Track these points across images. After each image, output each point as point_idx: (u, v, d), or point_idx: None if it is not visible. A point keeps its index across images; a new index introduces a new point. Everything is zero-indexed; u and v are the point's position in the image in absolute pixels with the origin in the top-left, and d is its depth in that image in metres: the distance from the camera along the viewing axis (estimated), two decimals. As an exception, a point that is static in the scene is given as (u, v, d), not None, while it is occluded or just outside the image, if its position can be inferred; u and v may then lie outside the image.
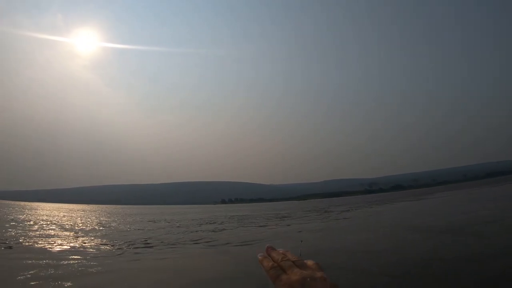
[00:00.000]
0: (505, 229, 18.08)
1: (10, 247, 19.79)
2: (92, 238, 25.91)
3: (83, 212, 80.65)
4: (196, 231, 32.91)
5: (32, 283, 11.53)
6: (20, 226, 35.35)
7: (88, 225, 39.53)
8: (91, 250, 19.73)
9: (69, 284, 11.25)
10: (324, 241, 20.17)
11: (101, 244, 22.08)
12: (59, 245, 21.19)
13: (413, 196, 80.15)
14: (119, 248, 20.31)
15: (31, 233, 28.76)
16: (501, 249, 13.46)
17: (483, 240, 15.80)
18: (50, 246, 20.82)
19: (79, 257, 16.77)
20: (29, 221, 40.58)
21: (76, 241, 23.24)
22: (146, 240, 24.49)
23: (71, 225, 39.13)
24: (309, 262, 1.31)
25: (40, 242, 22.39)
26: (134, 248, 20.79)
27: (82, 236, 27.11)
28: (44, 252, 18.47)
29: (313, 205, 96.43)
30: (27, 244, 21.72)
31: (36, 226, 35.62)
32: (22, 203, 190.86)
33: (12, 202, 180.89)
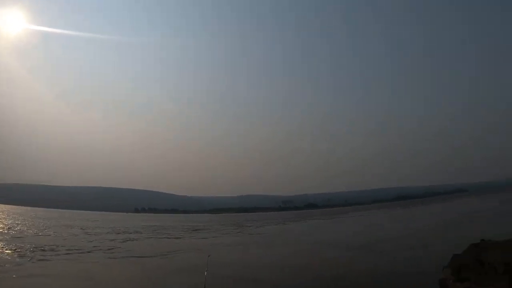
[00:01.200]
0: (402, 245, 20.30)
1: None
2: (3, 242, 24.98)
3: None
4: (112, 240, 32.57)
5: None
6: None
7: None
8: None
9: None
10: (239, 255, 21.22)
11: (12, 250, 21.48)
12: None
13: (327, 215, 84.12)
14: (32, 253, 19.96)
15: None
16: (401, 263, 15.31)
17: (384, 256, 17.73)
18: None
19: None
20: None
21: None
22: (58, 246, 24.07)
23: None
24: None
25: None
26: (44, 253, 20.50)
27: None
28: None
29: (228, 219, 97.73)
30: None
31: None
32: None
33: None
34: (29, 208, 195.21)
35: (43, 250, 22.58)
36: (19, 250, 21.62)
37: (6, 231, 34.41)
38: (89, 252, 23.08)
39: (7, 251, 21.30)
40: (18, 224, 46.57)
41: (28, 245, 24.59)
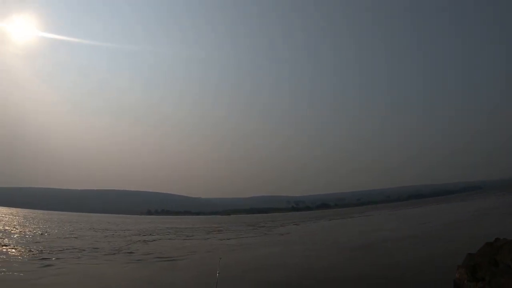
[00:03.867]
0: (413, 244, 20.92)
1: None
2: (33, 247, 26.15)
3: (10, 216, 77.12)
4: (136, 242, 33.63)
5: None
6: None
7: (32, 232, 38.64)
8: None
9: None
10: (264, 255, 21.96)
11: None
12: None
13: (339, 215, 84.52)
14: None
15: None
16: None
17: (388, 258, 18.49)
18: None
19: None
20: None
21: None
22: (98, 249, 25.36)
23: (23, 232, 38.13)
24: None
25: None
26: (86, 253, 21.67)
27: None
28: None
29: (242, 220, 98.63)
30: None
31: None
32: None
33: None
34: (44, 211, 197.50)
35: (82, 251, 23.77)
36: (61, 253, 22.73)
37: (36, 235, 35.52)
38: (130, 253, 24.24)
39: (53, 256, 22.44)
40: (42, 228, 47.88)
41: (67, 246, 25.92)
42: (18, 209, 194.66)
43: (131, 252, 24.35)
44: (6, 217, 73.45)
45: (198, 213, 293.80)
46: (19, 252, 21.71)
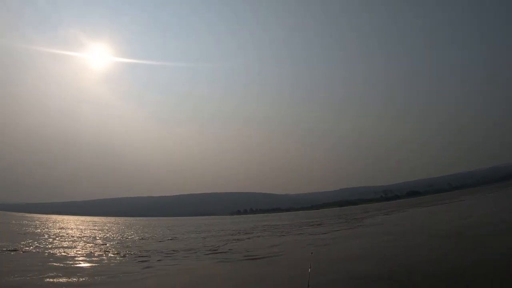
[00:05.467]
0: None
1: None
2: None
3: (120, 226, 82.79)
4: (232, 241, 35.20)
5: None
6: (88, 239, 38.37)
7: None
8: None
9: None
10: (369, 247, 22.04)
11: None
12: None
13: (429, 202, 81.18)
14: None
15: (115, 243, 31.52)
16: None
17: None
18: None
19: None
20: (95, 237, 43.09)
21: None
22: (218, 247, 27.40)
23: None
24: None
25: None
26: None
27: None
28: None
29: (334, 213, 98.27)
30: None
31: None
32: (41, 215, 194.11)
33: (31, 215, 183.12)
34: (141, 218, 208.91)
35: (179, 251, 25.59)
36: (159, 255, 24.44)
37: (134, 240, 38.20)
38: (226, 251, 25.66)
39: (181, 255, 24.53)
40: (139, 233, 51.24)
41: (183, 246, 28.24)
42: (117, 218, 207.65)
43: (228, 250, 25.50)
44: (106, 226, 79.29)
45: (287, 210, 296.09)
46: (121, 256, 23.73)
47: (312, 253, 14.85)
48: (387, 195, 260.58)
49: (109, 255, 23.86)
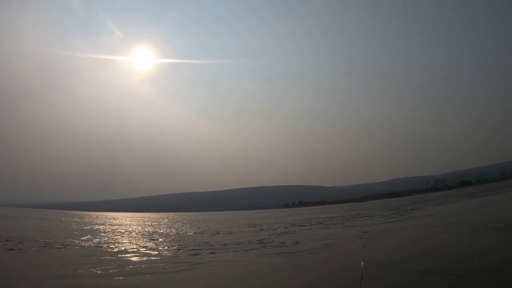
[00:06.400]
0: None
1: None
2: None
3: (181, 222, 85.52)
4: (281, 233, 36.68)
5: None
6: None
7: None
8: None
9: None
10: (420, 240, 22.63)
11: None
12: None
13: (481, 192, 79.12)
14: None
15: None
16: None
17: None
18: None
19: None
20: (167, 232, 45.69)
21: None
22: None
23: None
24: None
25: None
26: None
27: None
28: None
29: (384, 205, 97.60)
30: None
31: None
32: (96, 213, 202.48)
33: (86, 213, 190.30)
34: (193, 213, 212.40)
35: (231, 244, 27.51)
36: (209, 247, 26.20)
37: (187, 235, 39.95)
38: (279, 245, 26.94)
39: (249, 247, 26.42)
40: (191, 227, 53.54)
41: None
42: (167, 213, 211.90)
43: (281, 244, 26.62)
44: (158, 221, 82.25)
45: (334, 202, 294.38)
46: (172, 250, 25.52)
47: (364, 245, 14.76)
48: (438, 185, 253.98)
49: (163, 248, 25.77)
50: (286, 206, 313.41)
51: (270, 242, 28.12)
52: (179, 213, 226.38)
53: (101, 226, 55.00)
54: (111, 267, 17.93)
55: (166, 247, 26.69)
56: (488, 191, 80.00)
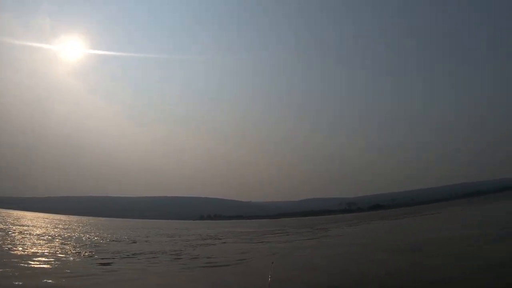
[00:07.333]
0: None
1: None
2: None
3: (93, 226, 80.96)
4: (196, 246, 35.61)
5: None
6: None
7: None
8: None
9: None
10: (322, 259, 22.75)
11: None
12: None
13: (392, 216, 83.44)
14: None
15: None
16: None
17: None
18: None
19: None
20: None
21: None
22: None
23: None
24: None
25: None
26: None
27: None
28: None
29: (297, 223, 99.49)
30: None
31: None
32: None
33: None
34: (104, 218, 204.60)
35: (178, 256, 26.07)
36: (118, 256, 24.58)
37: (97, 241, 38.00)
38: (194, 258, 25.85)
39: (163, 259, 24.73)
40: (99, 233, 50.94)
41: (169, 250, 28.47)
42: (80, 217, 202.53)
43: (195, 257, 25.72)
44: (67, 225, 77.87)
45: (249, 217, 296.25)
46: (80, 257, 23.76)
47: (273, 262, 15.07)
48: (351, 208, 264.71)
49: (69, 255, 23.73)
50: (201, 218, 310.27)
51: (186, 253, 26.96)
52: (89, 217, 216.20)
53: (4, 226, 50.13)
54: (9, 269, 16.02)
55: (74, 254, 24.56)
56: (398, 215, 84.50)
